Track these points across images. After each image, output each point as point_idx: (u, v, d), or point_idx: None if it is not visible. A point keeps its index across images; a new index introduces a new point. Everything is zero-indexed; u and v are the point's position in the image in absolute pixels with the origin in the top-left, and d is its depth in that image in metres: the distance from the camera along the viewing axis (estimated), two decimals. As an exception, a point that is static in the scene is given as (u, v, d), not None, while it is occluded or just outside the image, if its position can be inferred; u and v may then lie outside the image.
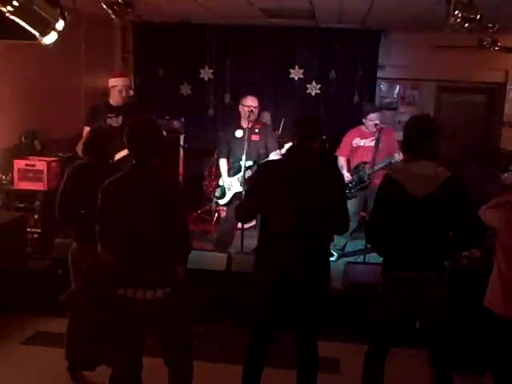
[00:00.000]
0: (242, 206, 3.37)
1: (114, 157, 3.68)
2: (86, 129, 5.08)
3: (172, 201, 2.79)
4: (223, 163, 5.33)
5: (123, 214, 2.73)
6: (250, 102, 5.10)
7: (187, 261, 2.95)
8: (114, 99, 5.09)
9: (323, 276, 3.08)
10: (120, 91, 5.07)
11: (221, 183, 5.44)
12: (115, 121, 5.00)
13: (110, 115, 5.00)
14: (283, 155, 3.26)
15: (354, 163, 5.67)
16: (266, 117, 6.41)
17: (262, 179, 3.13)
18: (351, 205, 5.72)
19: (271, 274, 3.01)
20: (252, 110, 5.04)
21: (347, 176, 5.57)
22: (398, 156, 5.37)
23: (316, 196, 2.93)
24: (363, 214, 6.32)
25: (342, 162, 5.73)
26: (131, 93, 5.71)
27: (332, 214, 2.95)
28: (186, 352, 2.95)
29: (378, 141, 5.32)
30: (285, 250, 2.96)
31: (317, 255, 3.01)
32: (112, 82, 5.13)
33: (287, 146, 4.92)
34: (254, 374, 3.14)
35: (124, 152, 4.75)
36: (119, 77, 5.19)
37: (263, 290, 3.04)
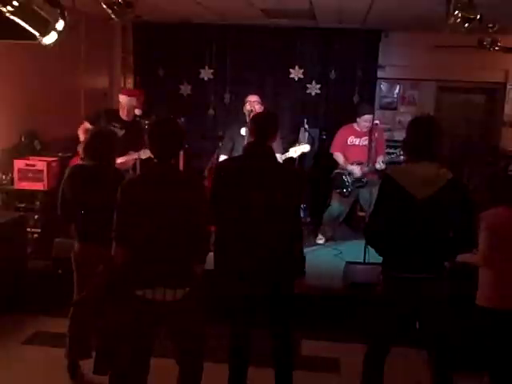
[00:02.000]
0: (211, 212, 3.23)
1: (114, 160, 3.67)
2: (86, 125, 5.11)
3: (194, 200, 2.78)
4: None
5: (144, 213, 2.71)
6: (252, 99, 5.21)
7: (205, 261, 2.94)
8: (121, 113, 5.21)
9: (287, 273, 3.08)
10: (123, 108, 5.19)
11: None
12: (118, 132, 5.01)
13: (114, 124, 5.09)
14: (242, 154, 3.26)
15: (348, 161, 5.72)
16: None
17: (221, 180, 3.11)
18: (345, 202, 5.81)
19: (235, 275, 3.03)
20: (252, 109, 5.08)
21: (356, 169, 5.60)
22: (381, 160, 5.45)
23: (274, 195, 2.96)
24: (361, 213, 6.35)
25: (341, 159, 5.76)
26: (138, 112, 5.76)
27: (286, 215, 3.00)
28: (197, 352, 2.94)
29: (371, 139, 5.39)
30: (245, 249, 2.98)
31: (278, 254, 3.02)
32: (120, 97, 5.26)
33: (293, 150, 5.01)
34: (240, 375, 3.18)
35: (122, 159, 4.82)
36: (128, 95, 5.29)
37: (227, 288, 3.09)
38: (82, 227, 3.47)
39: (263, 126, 3.09)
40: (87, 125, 5.09)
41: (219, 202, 3.03)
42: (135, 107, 5.41)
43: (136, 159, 5.11)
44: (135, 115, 5.47)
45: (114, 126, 5.06)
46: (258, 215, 2.95)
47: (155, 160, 2.82)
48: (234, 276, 3.05)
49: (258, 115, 3.23)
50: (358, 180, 5.65)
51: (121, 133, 5.05)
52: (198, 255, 2.87)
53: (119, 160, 4.84)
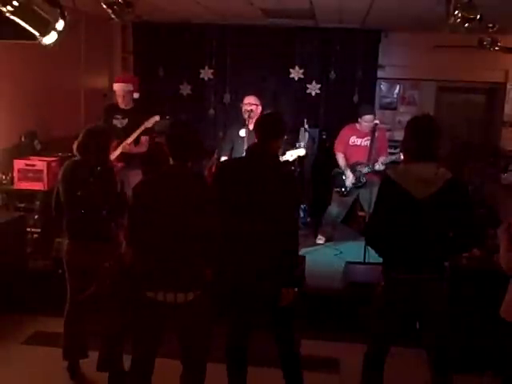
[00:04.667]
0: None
1: (107, 156, 3.65)
2: None
3: (208, 204, 2.77)
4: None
5: (156, 215, 2.69)
6: (248, 100, 5.19)
7: (215, 264, 2.94)
8: (119, 102, 5.29)
9: (279, 276, 3.03)
10: (119, 96, 5.26)
11: None
12: (120, 122, 5.21)
13: (116, 116, 5.20)
14: (245, 154, 3.27)
15: (348, 161, 5.73)
16: None
17: (221, 180, 3.11)
18: (344, 201, 5.82)
19: (232, 276, 3.02)
20: (252, 110, 5.08)
21: (351, 177, 5.61)
22: (381, 161, 5.44)
23: (268, 199, 2.92)
24: (362, 213, 6.35)
25: (341, 160, 5.77)
26: (136, 95, 5.77)
27: (281, 221, 2.94)
28: (203, 353, 2.94)
29: (372, 140, 5.40)
30: (240, 251, 2.97)
31: (271, 256, 2.96)
32: (114, 86, 5.34)
33: (290, 153, 5.01)
34: (239, 375, 3.16)
35: (118, 152, 4.85)
36: (120, 82, 5.35)
37: (228, 292, 3.06)
38: (71, 224, 3.47)
39: (264, 128, 3.07)
40: None
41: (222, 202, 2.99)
42: (132, 92, 5.42)
43: (143, 130, 5.08)
44: (134, 100, 5.47)
45: (116, 118, 5.19)
46: (249, 217, 2.93)
47: (171, 161, 2.80)
48: (236, 276, 3.03)
49: (260, 117, 3.21)
50: (358, 181, 5.66)
51: (124, 122, 5.18)
52: (209, 259, 2.85)
53: (130, 139, 4.96)
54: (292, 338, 3.13)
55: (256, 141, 3.09)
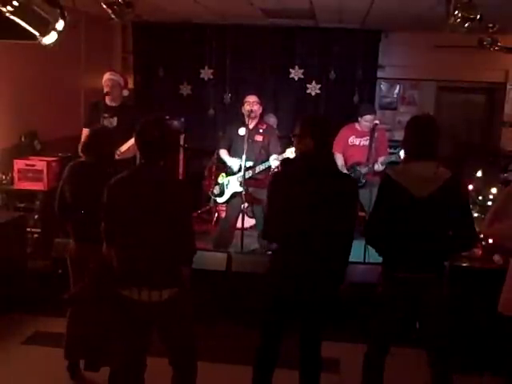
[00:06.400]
0: (268, 226, 3.11)
1: (114, 156, 3.65)
2: (85, 131, 5.06)
3: (179, 201, 2.77)
4: (224, 152, 5.33)
5: (130, 213, 2.70)
6: (250, 99, 5.18)
7: (192, 262, 2.92)
8: (108, 98, 5.03)
9: (333, 281, 3.06)
10: (106, 86, 4.97)
11: (220, 181, 5.44)
12: (109, 122, 4.92)
13: (105, 115, 4.94)
14: (296, 159, 3.15)
15: (347, 161, 5.72)
16: (271, 119, 6.41)
17: (278, 189, 3.00)
18: None
19: (286, 276, 2.97)
20: (252, 110, 5.07)
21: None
22: (380, 162, 5.41)
23: (331, 204, 2.86)
24: (362, 213, 6.34)
25: (340, 160, 5.74)
26: (125, 93, 5.62)
27: (342, 220, 2.89)
28: (189, 353, 2.93)
29: (372, 140, 5.38)
30: (299, 254, 2.92)
31: (329, 261, 2.97)
32: (105, 77, 5.05)
33: (289, 150, 4.94)
34: (264, 376, 3.10)
35: (126, 146, 4.74)
36: (109, 71, 5.13)
37: (277, 291, 3.01)
38: (78, 226, 3.46)
39: (319, 131, 2.92)
40: (86, 131, 5.05)
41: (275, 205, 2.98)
42: (122, 88, 5.19)
43: None
44: (123, 98, 5.24)
45: (104, 117, 4.91)
46: (311, 222, 2.87)
47: (142, 160, 2.80)
48: (283, 276, 2.98)
49: (312, 119, 3.02)
50: (357, 180, 5.64)
51: (113, 122, 4.91)
52: (185, 257, 2.85)
53: (123, 147, 4.76)
54: (319, 341, 3.08)
55: (312, 143, 2.92)
